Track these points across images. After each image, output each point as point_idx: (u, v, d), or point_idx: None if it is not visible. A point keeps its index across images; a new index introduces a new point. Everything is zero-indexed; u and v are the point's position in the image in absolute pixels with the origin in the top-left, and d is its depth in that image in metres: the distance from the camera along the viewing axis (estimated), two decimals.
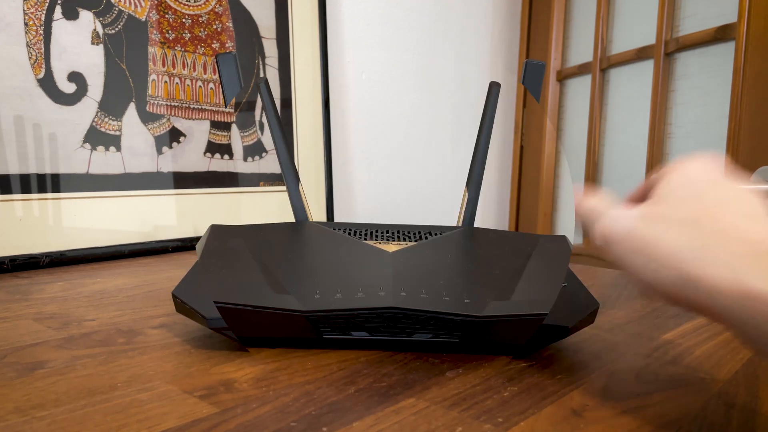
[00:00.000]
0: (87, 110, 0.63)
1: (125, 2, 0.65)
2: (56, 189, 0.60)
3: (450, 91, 1.07)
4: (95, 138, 0.63)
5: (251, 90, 0.77)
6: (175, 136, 0.70)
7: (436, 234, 0.44)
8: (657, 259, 0.23)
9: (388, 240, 0.43)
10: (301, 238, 0.43)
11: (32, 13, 0.59)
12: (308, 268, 0.37)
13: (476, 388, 0.29)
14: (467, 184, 0.51)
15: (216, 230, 0.42)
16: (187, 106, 0.71)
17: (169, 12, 0.69)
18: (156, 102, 0.68)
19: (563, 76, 1.08)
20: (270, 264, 0.37)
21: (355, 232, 0.44)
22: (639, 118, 0.92)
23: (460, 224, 0.50)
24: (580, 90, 1.06)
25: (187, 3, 0.70)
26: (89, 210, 0.63)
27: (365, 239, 0.43)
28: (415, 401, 0.27)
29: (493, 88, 0.50)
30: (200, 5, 0.72)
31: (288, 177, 0.49)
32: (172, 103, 0.69)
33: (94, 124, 0.63)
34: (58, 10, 0.60)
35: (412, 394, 0.28)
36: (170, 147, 0.69)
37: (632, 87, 0.94)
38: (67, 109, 0.61)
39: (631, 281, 0.24)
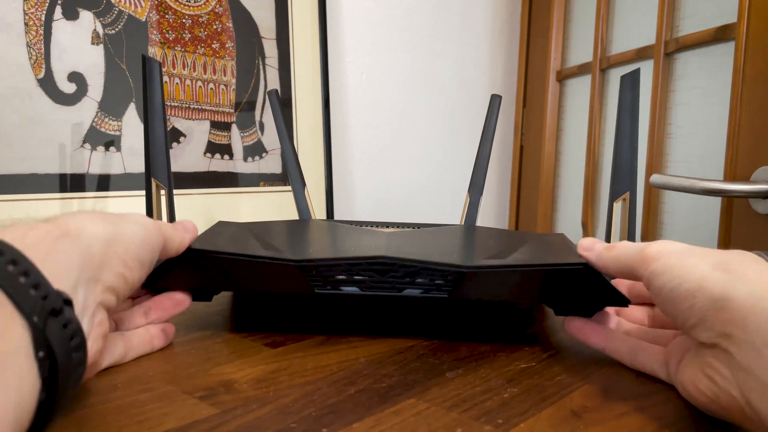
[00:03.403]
0: (87, 110, 0.63)
1: (125, 2, 0.65)
2: (56, 189, 0.60)
3: (450, 90, 1.07)
4: (95, 138, 0.63)
5: (251, 90, 0.77)
6: (175, 136, 0.70)
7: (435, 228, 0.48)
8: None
9: (387, 228, 0.46)
10: (304, 227, 0.46)
11: (32, 13, 0.59)
12: (305, 239, 0.40)
13: (476, 389, 0.29)
14: (469, 190, 0.52)
15: (222, 223, 0.45)
16: (187, 106, 0.71)
17: (169, 12, 0.69)
18: None
19: (563, 76, 1.08)
20: (270, 239, 0.39)
21: (354, 226, 0.48)
22: (639, 118, 0.92)
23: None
24: (580, 90, 1.06)
25: (187, 3, 0.70)
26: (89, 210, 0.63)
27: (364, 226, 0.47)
28: (415, 402, 0.27)
29: (494, 101, 0.51)
30: (200, 5, 0.72)
31: (295, 181, 0.52)
32: (172, 104, 0.69)
33: (94, 124, 0.63)
34: (58, 10, 0.60)
35: (413, 394, 0.28)
36: (170, 147, 0.69)
37: None
38: (67, 109, 0.61)
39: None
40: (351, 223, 0.48)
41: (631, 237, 0.38)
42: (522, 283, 0.33)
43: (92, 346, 0.24)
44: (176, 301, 0.34)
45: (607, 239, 0.40)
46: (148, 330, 0.33)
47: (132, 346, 0.32)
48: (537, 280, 0.33)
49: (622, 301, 0.33)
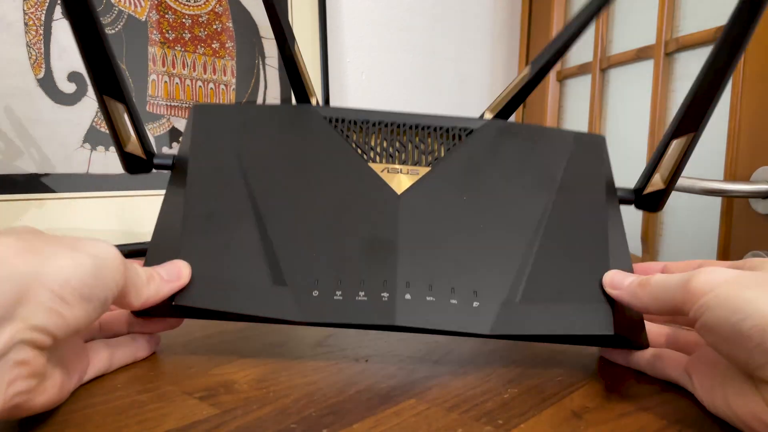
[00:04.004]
0: (87, 110, 0.63)
1: (125, 2, 0.65)
2: (56, 189, 0.60)
3: (450, 91, 1.07)
4: (95, 138, 0.63)
5: (251, 90, 0.77)
6: (175, 136, 0.70)
7: (455, 137, 0.38)
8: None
9: (397, 154, 0.37)
10: (303, 151, 0.36)
11: (32, 13, 0.59)
12: (308, 236, 0.33)
13: (476, 389, 0.29)
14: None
15: (201, 126, 0.37)
16: (187, 106, 0.71)
17: (169, 12, 0.69)
18: (156, 102, 0.68)
19: (563, 76, 1.08)
20: (266, 218, 0.33)
21: (360, 125, 0.38)
22: (639, 118, 0.92)
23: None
24: (580, 90, 1.06)
25: (187, 3, 0.70)
26: (89, 210, 0.63)
27: (374, 156, 0.37)
28: (415, 402, 0.27)
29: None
30: (200, 5, 0.71)
31: (280, 39, 0.38)
32: (172, 103, 0.69)
33: (93, 124, 0.63)
34: (58, 9, 0.60)
35: (413, 395, 0.28)
36: (170, 147, 0.69)
37: (632, 87, 0.94)
38: (66, 108, 0.61)
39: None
40: (358, 120, 0.38)
41: (674, 180, 0.35)
42: (543, 338, 0.32)
43: (7, 389, 0.21)
44: (168, 322, 0.34)
45: (647, 176, 0.36)
46: (134, 340, 0.32)
47: (117, 357, 0.31)
48: (559, 338, 0.32)
49: (642, 347, 0.33)
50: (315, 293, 0.31)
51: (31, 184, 0.59)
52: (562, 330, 0.31)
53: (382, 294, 0.31)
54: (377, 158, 0.37)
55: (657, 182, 0.37)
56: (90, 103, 0.63)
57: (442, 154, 0.37)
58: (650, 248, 0.89)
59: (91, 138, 0.63)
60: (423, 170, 0.36)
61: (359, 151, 0.37)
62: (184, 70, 0.70)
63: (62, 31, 0.61)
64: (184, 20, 0.70)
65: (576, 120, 1.07)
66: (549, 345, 0.37)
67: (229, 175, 0.35)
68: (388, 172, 0.36)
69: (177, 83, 0.70)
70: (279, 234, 0.33)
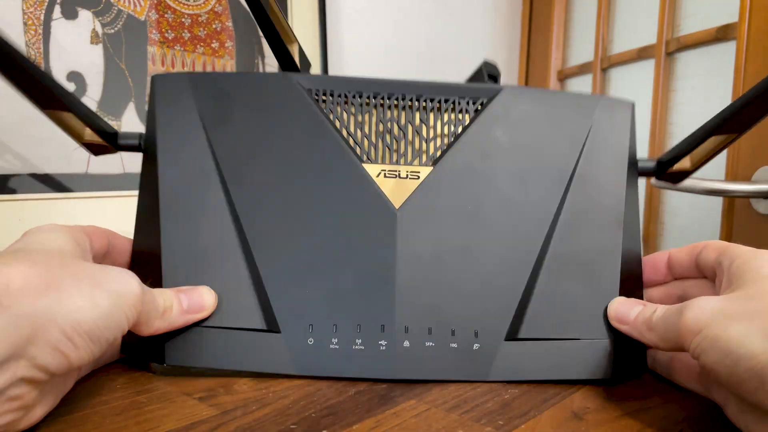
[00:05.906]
0: None
1: (124, 2, 0.65)
2: (55, 189, 0.60)
3: None
4: None
5: None
6: None
7: (462, 111, 0.34)
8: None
9: (395, 144, 0.33)
10: (286, 148, 0.32)
11: (31, 12, 0.59)
12: (299, 270, 0.31)
13: (477, 390, 0.29)
14: None
15: (165, 104, 0.33)
16: None
17: (169, 11, 0.69)
18: None
19: (564, 76, 1.08)
20: (254, 248, 0.31)
21: (351, 101, 0.34)
22: (639, 118, 0.92)
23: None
24: (581, 90, 1.06)
25: (186, 2, 0.70)
26: (88, 210, 0.63)
27: (368, 148, 0.33)
28: (415, 403, 0.27)
29: None
30: (200, 5, 0.71)
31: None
32: None
33: None
34: (57, 9, 0.60)
35: (413, 396, 0.28)
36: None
37: (633, 87, 0.94)
38: None
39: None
40: (349, 91, 0.34)
41: (702, 165, 0.35)
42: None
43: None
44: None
45: (678, 157, 0.35)
46: (117, 339, 0.32)
47: (105, 356, 0.31)
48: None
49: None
50: (310, 341, 0.30)
51: (30, 184, 0.59)
52: (560, 376, 0.30)
53: (380, 342, 0.30)
54: (372, 152, 0.33)
55: (685, 163, 0.37)
56: (89, 102, 0.63)
57: (446, 141, 0.34)
58: (651, 249, 0.89)
59: None
60: (424, 171, 0.32)
61: (351, 141, 0.33)
62: (183, 69, 0.70)
63: (61, 31, 0.61)
64: (183, 20, 0.70)
65: None
66: None
67: (206, 182, 0.32)
68: (384, 176, 0.32)
69: None
70: (268, 269, 0.31)
